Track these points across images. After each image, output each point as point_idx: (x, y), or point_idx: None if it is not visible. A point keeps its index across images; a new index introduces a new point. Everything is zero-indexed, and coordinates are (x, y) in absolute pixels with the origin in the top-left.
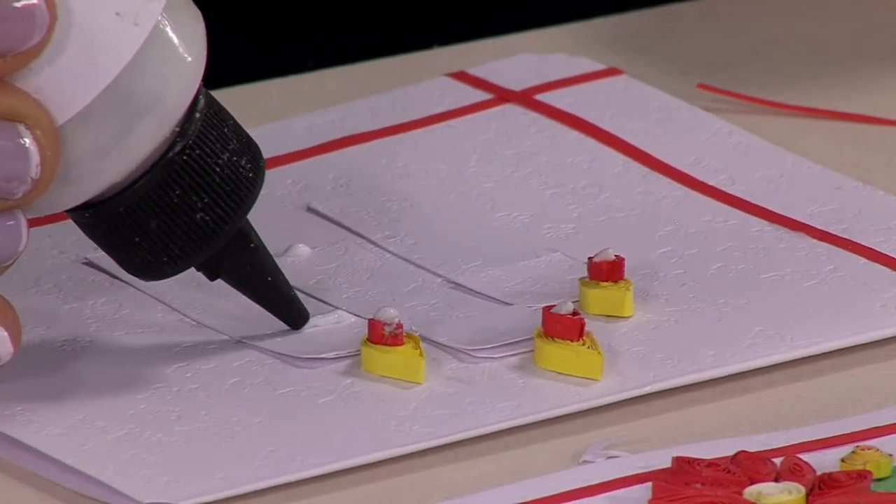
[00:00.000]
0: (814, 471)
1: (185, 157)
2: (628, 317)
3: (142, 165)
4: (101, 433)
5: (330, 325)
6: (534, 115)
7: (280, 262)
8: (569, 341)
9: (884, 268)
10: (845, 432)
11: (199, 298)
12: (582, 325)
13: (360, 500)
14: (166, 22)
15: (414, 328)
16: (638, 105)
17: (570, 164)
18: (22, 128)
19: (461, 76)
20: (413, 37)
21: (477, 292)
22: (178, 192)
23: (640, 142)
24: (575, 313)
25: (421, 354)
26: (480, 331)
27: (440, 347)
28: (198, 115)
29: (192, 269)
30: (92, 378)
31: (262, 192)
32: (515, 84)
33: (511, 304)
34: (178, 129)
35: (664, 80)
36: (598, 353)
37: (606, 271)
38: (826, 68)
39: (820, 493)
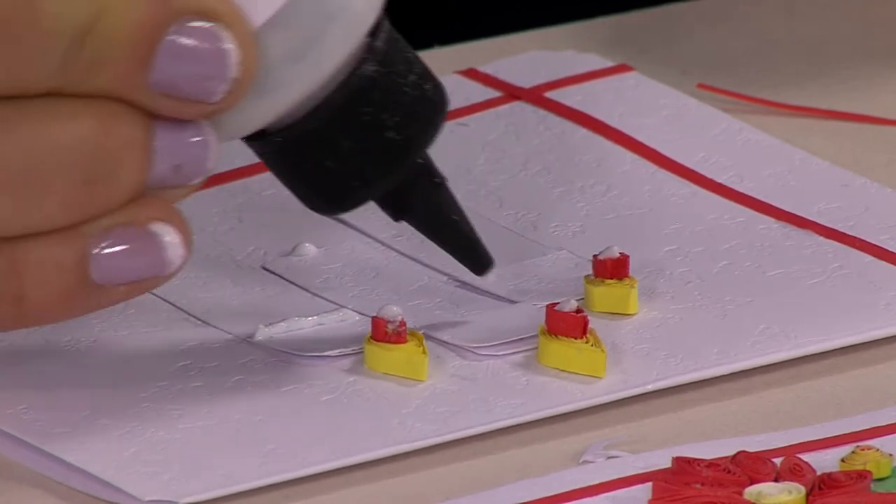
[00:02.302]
0: (814, 471)
1: (374, 73)
2: (633, 314)
3: (330, 83)
4: (104, 431)
5: (335, 323)
6: (543, 112)
7: (286, 261)
8: (572, 339)
9: (890, 265)
10: (845, 432)
11: (204, 298)
12: (585, 323)
13: (360, 500)
14: None
15: (418, 326)
16: (647, 102)
17: (578, 161)
18: (219, 27)
19: (471, 73)
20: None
21: (483, 291)
22: (368, 109)
23: (649, 139)
24: (578, 311)
25: (424, 352)
26: (484, 329)
27: (444, 345)
28: (383, 34)
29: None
30: (95, 376)
31: (269, 191)
32: (525, 81)
33: (516, 302)
34: (366, 41)
35: (664, 80)
36: (602, 350)
37: (611, 269)
38: (826, 68)
39: (820, 493)
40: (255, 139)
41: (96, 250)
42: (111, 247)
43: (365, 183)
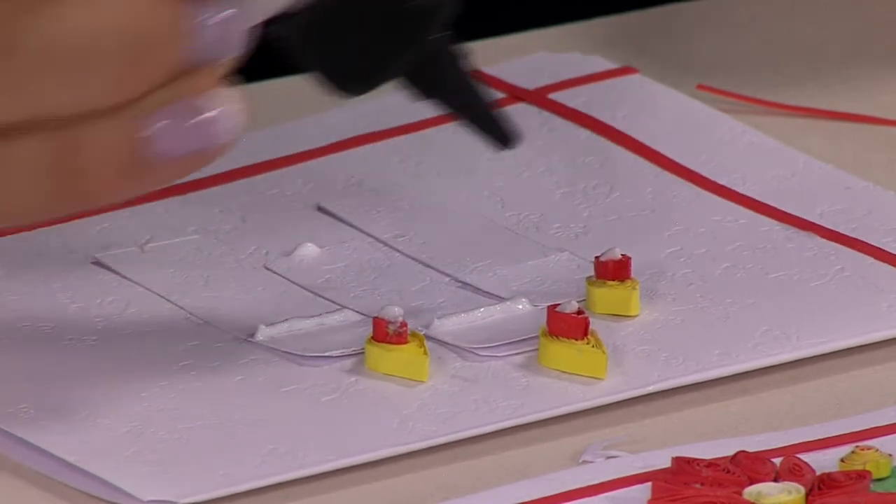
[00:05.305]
0: (813, 471)
1: None
2: (634, 316)
3: None
4: (104, 431)
5: (336, 323)
6: (546, 114)
7: (288, 261)
8: (573, 340)
9: (892, 268)
10: (845, 432)
11: (205, 298)
12: (586, 324)
13: (360, 500)
14: None
15: (420, 327)
16: (651, 104)
17: (581, 163)
18: None
19: (475, 75)
20: None
21: (485, 292)
22: None
23: (653, 140)
24: (579, 312)
25: (425, 353)
26: (485, 330)
27: (445, 346)
28: None
29: None
30: (96, 376)
31: (272, 191)
32: (529, 83)
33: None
34: None
35: (664, 81)
36: (603, 351)
37: (612, 270)
38: (826, 68)
39: (819, 493)
40: (285, 23)
41: (150, 124)
42: (165, 120)
43: (397, 49)
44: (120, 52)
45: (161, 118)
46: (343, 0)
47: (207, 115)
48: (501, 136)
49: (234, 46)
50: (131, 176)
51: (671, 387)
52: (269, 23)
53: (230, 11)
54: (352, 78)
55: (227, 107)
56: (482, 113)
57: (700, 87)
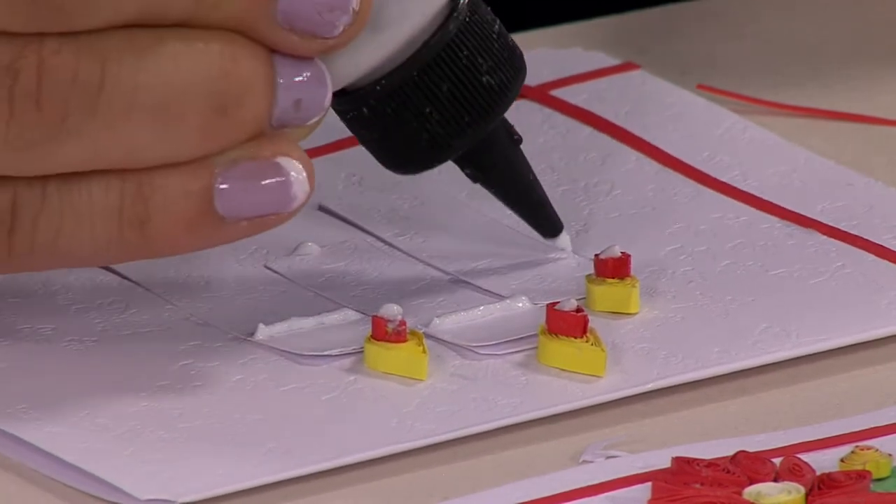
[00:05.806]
0: (813, 471)
1: (468, 18)
2: (634, 314)
3: (430, 26)
4: (103, 430)
5: (335, 322)
6: (548, 111)
7: (289, 260)
8: (572, 338)
9: (893, 265)
10: (845, 432)
11: (205, 297)
12: (585, 322)
13: (359, 499)
14: None
15: (419, 325)
16: (653, 100)
17: (582, 160)
18: None
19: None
20: None
21: (484, 290)
22: (465, 53)
23: (654, 137)
24: (578, 310)
25: (424, 351)
26: (484, 328)
27: (444, 344)
28: None
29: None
30: (96, 376)
31: None
32: (531, 79)
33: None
34: None
35: (664, 80)
36: (602, 349)
37: (612, 268)
38: (826, 68)
39: (819, 493)
40: (356, 94)
41: (222, 181)
42: (238, 179)
43: (462, 130)
44: (206, 104)
45: (236, 176)
46: (420, 72)
47: (282, 178)
48: (546, 226)
49: (316, 110)
50: (196, 230)
51: (670, 384)
52: (337, 95)
53: (316, 70)
54: (421, 153)
55: (300, 173)
56: (529, 201)
57: (700, 87)
